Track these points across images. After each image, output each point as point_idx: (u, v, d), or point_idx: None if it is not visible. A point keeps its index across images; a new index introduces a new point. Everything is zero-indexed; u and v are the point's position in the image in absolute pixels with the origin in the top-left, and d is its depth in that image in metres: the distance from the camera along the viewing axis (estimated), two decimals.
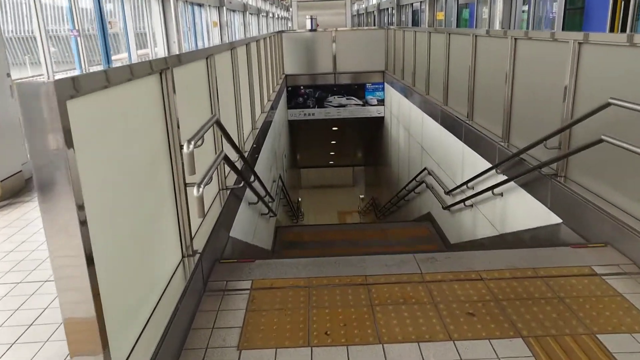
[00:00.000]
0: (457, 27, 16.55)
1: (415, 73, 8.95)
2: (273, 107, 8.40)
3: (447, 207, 6.48)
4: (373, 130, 14.20)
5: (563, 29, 9.88)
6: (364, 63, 12.39)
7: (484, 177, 5.13)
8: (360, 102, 12.49)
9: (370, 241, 7.14)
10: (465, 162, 5.87)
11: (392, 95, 11.36)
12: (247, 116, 5.60)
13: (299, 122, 12.93)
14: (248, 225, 4.88)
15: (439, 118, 6.98)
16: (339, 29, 12.76)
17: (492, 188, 4.75)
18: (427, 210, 8.09)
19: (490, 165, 4.97)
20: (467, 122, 5.89)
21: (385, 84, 12.25)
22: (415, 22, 22.34)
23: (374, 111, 12.53)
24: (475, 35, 5.86)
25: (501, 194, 4.75)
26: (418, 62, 8.84)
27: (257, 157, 5.65)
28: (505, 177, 4.57)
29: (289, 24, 39.74)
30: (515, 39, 4.70)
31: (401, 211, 10.38)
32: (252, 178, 4.80)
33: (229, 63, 4.68)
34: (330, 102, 12.46)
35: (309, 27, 13.41)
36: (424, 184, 7.90)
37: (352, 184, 25.91)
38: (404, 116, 9.97)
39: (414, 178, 8.56)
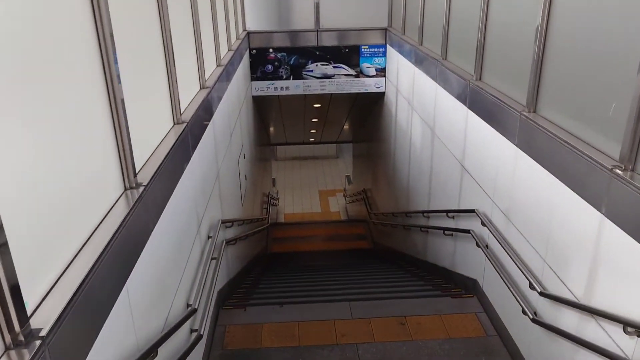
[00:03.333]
0: None
1: (449, 34, 5.52)
2: (222, 79, 5.01)
3: (541, 323, 3.31)
4: (368, 108, 10.77)
5: None
6: (359, 16, 8.84)
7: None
8: (353, 72, 9.01)
9: (386, 348, 3.96)
10: (573, 226, 2.67)
11: (400, 63, 7.91)
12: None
13: (267, 99, 9.42)
14: None
15: (516, 136, 3.68)
16: None
17: None
18: (469, 271, 4.92)
19: None
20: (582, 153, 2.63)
21: (388, 46, 8.75)
22: None
23: (371, 85, 9.09)
24: None
25: None
26: (456, 11, 5.40)
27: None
28: None
29: None
30: None
31: (411, 241, 7.22)
32: None
33: None
34: (311, 71, 8.96)
35: None
36: (469, 235, 4.67)
37: (336, 155, 22.63)
38: (420, 100, 6.60)
39: (448, 212, 5.32)
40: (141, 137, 2.71)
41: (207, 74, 4.84)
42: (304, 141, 15.84)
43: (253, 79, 8.86)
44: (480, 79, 4.57)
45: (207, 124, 4.35)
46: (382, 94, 9.24)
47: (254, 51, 8.73)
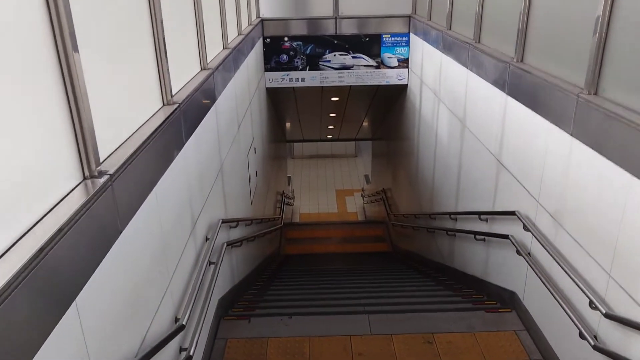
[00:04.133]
0: None
1: (483, 14, 4.90)
2: (230, 67, 4.49)
3: (606, 352, 2.69)
4: (389, 102, 10.16)
5: None
6: (380, 3, 8.24)
7: None
8: (373, 63, 8.42)
9: None
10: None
11: (425, 51, 7.30)
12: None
13: (281, 91, 8.88)
14: None
15: (571, 123, 3.06)
16: None
17: None
18: (506, 281, 4.31)
19: None
20: None
21: (412, 35, 8.14)
22: None
23: (392, 76, 8.48)
24: None
25: None
26: None
27: None
28: None
29: None
30: None
31: (436, 245, 6.60)
32: None
33: None
34: (328, 61, 8.39)
35: None
36: (507, 241, 4.06)
37: (355, 153, 22.03)
38: (449, 90, 5.99)
39: (480, 214, 4.70)
40: (113, 115, 2.18)
41: (210, 56, 4.31)
42: (321, 138, 15.27)
43: (267, 69, 8.33)
44: (522, 60, 3.95)
45: (208, 110, 3.82)
46: (405, 86, 8.62)
47: (268, 40, 8.20)
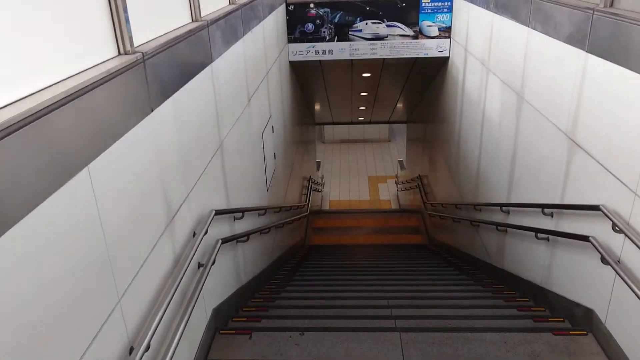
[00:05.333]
0: None
1: None
2: (235, 26, 3.67)
3: None
4: (427, 79, 9.14)
5: None
6: None
7: None
8: (410, 33, 7.44)
9: None
10: None
11: (471, 15, 6.28)
12: None
13: (307, 66, 8.00)
14: None
15: None
16: None
17: None
18: (580, 295, 3.36)
19: None
20: None
21: None
22: None
23: (432, 47, 7.48)
24: None
25: None
26: None
27: None
28: None
29: None
30: None
31: (480, 241, 5.64)
32: None
33: None
34: (359, 31, 7.45)
35: None
36: (585, 244, 3.11)
37: (388, 138, 20.97)
38: (502, 57, 5.00)
39: (544, 207, 3.75)
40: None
41: (208, 8, 3.48)
42: (352, 121, 14.32)
43: (290, 40, 7.47)
44: (611, 5, 2.96)
45: (199, 72, 3.00)
46: (445, 59, 7.61)
47: (292, 6, 7.32)
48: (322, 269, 6.42)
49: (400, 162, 16.08)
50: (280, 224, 6.02)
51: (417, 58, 7.66)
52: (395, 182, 15.86)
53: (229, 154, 3.73)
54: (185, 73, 2.77)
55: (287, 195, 7.37)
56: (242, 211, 3.85)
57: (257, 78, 4.98)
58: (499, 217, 4.99)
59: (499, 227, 4.88)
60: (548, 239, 3.82)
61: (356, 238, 10.17)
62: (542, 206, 3.77)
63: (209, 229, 2.89)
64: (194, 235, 2.82)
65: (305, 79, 9.24)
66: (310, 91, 10.52)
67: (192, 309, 2.50)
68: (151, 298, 2.23)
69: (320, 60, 7.70)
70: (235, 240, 3.83)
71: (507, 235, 4.84)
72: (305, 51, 7.53)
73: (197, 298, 2.62)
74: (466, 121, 6.55)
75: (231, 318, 3.62)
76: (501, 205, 4.79)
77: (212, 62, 3.31)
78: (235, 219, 3.88)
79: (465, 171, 6.62)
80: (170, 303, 2.25)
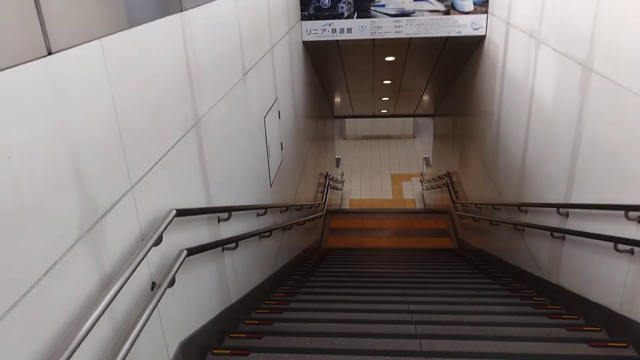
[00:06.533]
0: None
1: None
2: None
3: None
4: (458, 64, 8.16)
5: None
6: None
7: None
8: (441, 8, 6.49)
9: None
10: None
11: None
12: None
13: (323, 48, 7.12)
14: None
15: None
16: None
17: None
18: None
19: None
20: None
21: None
22: None
23: (466, 25, 6.52)
24: None
25: None
26: None
27: None
28: None
29: None
30: None
31: (525, 248, 4.68)
32: None
33: None
34: (382, 6, 6.54)
35: None
36: None
37: (413, 134, 19.93)
38: (561, 23, 4.03)
39: (628, 209, 2.80)
40: None
41: None
42: (374, 114, 13.37)
43: (304, 17, 6.61)
44: None
45: (157, 16, 2.16)
46: (481, 38, 6.64)
47: None
48: (335, 279, 5.53)
49: (426, 159, 15.08)
50: (288, 225, 5.16)
51: (448, 38, 6.71)
52: (421, 181, 14.88)
53: (211, 135, 2.88)
54: (126, 14, 1.93)
55: (299, 192, 6.50)
56: (227, 210, 3.00)
57: (257, 50, 4.13)
58: (553, 221, 4.04)
59: (554, 233, 3.92)
60: (632, 252, 2.86)
61: (377, 241, 9.25)
62: (626, 208, 2.82)
63: (164, 235, 2.03)
64: (156, 245, 1.97)
65: (321, 65, 8.37)
66: (328, 79, 9.64)
67: (131, 346, 1.65)
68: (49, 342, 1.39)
69: (337, 41, 6.82)
70: (220, 248, 2.99)
71: (565, 243, 3.88)
72: (321, 29, 6.65)
73: (142, 330, 1.76)
74: (507, 108, 5.58)
75: (211, 350, 2.78)
76: (559, 206, 3.83)
77: (182, 10, 2.46)
78: (220, 220, 3.04)
79: (505, 166, 5.65)
80: (94, 343, 1.40)
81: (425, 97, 11.56)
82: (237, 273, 3.45)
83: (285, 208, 5.07)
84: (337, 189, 12.46)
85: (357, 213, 11.51)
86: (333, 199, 11.78)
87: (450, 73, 8.92)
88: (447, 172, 9.95)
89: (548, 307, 3.90)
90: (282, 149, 5.16)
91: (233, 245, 3.12)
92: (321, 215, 8.39)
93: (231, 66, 3.35)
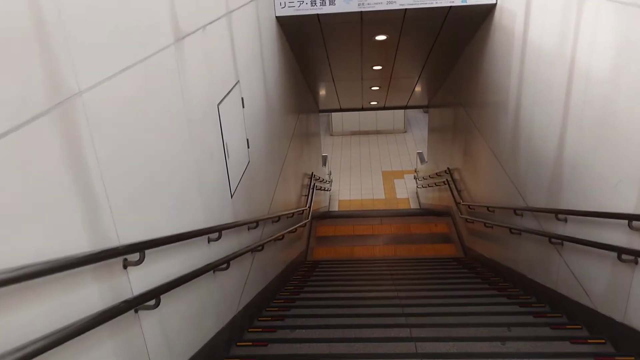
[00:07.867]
0: None
1: None
2: None
3: None
4: (461, 41, 7.05)
5: None
6: None
7: None
8: None
9: None
10: None
11: None
12: None
13: (302, 28, 5.95)
14: None
15: None
16: None
17: None
18: None
19: None
20: None
21: None
22: None
23: None
24: None
25: None
26: None
27: None
28: None
29: None
30: None
31: (555, 263, 3.59)
32: None
33: None
34: None
35: None
36: None
37: (404, 129, 18.83)
38: None
39: None
40: None
41: None
42: (363, 107, 12.23)
43: None
44: None
45: None
46: (491, 8, 5.54)
47: None
48: (322, 310, 4.37)
49: (420, 154, 14.00)
50: (259, 246, 4.01)
51: (450, 9, 5.59)
52: (415, 178, 13.81)
53: (105, 127, 1.72)
54: None
55: (276, 200, 5.34)
56: (138, 249, 1.83)
57: (202, 9, 2.97)
58: (615, 236, 2.94)
59: (623, 256, 2.82)
60: None
61: (371, 250, 8.13)
62: None
63: None
64: None
65: (301, 50, 7.21)
66: (310, 68, 8.48)
67: None
68: None
69: (318, 16, 5.66)
70: (131, 311, 1.83)
71: (638, 268, 2.78)
72: (298, 1, 5.49)
73: None
74: (531, 89, 4.47)
75: None
76: (631, 217, 2.72)
77: None
78: (127, 265, 1.88)
79: (530, 162, 4.55)
80: None
81: (420, 86, 10.45)
82: (169, 338, 2.28)
83: (254, 224, 3.91)
84: (324, 189, 11.32)
85: (347, 217, 10.38)
86: (320, 201, 10.64)
87: (449, 56, 7.82)
88: (448, 168, 8.85)
89: (617, 358, 2.79)
90: (248, 147, 4.00)
91: (152, 302, 1.96)
92: (306, 224, 7.25)
93: (147, 20, 2.18)
